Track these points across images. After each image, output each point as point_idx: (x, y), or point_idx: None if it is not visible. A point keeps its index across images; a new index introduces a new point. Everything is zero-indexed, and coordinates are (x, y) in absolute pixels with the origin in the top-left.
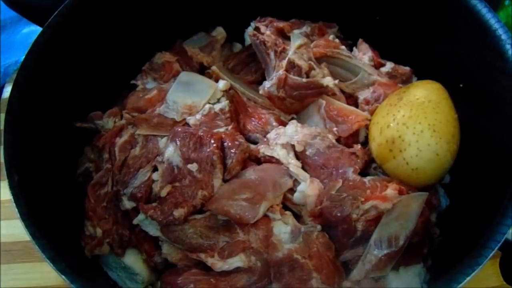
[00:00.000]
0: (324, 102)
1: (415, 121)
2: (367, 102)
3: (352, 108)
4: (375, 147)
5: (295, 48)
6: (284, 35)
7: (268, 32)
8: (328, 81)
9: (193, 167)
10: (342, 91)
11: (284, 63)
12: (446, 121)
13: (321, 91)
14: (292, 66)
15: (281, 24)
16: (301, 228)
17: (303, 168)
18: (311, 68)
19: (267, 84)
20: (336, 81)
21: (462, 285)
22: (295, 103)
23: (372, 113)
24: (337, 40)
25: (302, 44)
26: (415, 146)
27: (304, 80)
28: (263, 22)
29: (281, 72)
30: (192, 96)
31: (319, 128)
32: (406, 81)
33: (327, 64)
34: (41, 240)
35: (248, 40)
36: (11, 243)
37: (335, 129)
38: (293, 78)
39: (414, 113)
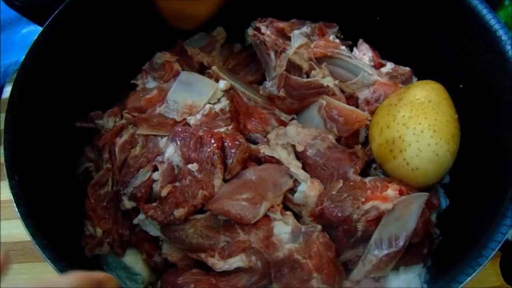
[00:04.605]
0: (324, 102)
1: (415, 122)
2: (367, 102)
3: (352, 108)
4: (376, 147)
5: (295, 48)
6: (284, 35)
7: (268, 32)
8: (328, 81)
9: (193, 167)
10: (342, 91)
11: (284, 63)
12: (446, 121)
13: (321, 91)
14: (292, 66)
15: (281, 24)
16: (301, 228)
17: (303, 168)
18: (311, 68)
19: (267, 84)
20: (336, 81)
21: (463, 285)
22: (295, 103)
23: (372, 113)
24: (337, 40)
25: (302, 44)
26: (415, 146)
27: (305, 80)
28: (264, 22)
29: (282, 72)
30: (192, 96)
31: (319, 129)
32: (406, 82)
33: (327, 64)
34: (41, 240)
35: (248, 40)
36: (11, 243)
37: (335, 129)
38: (294, 78)
39: (414, 114)
